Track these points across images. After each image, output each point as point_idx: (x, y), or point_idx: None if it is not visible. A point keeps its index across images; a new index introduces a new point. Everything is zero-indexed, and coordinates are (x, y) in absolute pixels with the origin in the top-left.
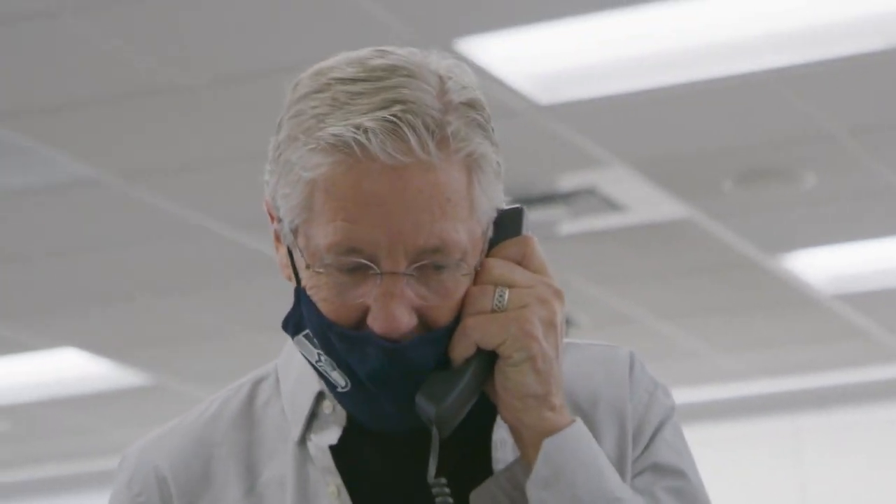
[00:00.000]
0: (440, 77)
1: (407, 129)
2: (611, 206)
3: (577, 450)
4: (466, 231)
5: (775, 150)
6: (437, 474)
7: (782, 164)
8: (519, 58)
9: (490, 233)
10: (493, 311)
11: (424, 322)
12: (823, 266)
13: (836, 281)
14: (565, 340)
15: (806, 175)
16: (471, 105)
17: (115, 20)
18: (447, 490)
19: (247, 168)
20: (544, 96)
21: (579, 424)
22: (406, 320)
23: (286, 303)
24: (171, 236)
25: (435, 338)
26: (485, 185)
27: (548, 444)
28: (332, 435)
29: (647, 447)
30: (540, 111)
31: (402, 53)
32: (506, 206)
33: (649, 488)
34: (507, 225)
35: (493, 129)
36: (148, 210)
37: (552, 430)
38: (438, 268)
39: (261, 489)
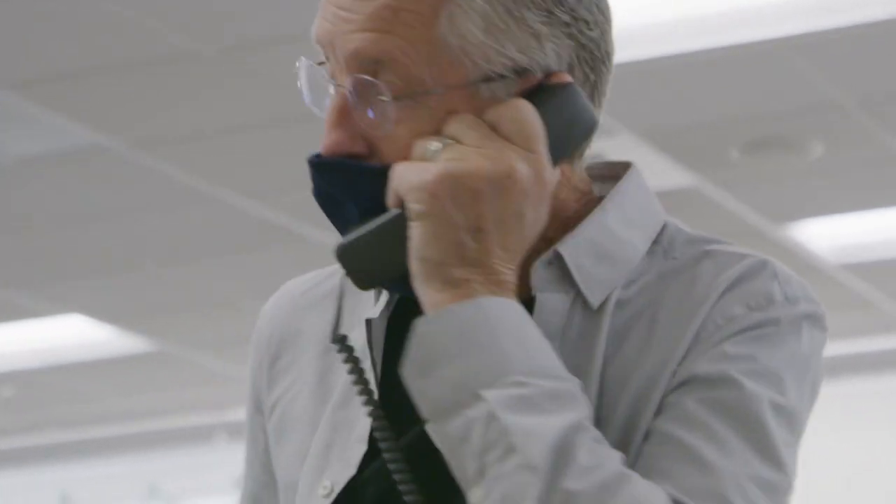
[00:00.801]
0: None
1: None
2: None
3: (467, 329)
4: (418, 57)
5: (783, 119)
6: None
7: (789, 134)
8: None
9: (490, 92)
10: (421, 160)
11: (373, 156)
12: (830, 235)
13: (843, 250)
14: (707, 246)
15: (813, 144)
16: None
17: None
18: (349, 347)
19: (256, 136)
20: None
21: (490, 301)
22: (336, 139)
23: (293, 271)
24: (179, 204)
25: (354, 167)
26: (461, 26)
27: (422, 323)
28: (377, 309)
29: (694, 356)
30: None
31: None
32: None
33: (676, 403)
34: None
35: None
36: (155, 177)
37: (438, 304)
38: (379, 94)
39: (333, 355)
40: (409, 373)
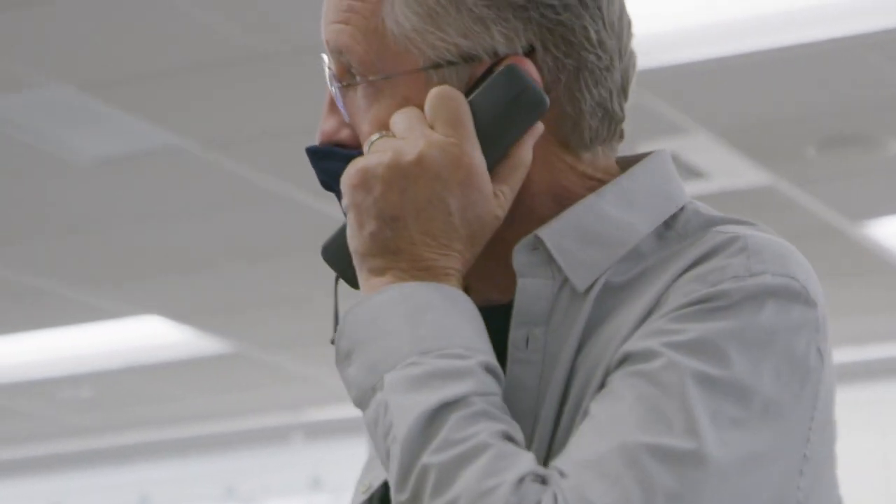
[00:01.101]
0: None
1: None
2: (693, 173)
3: (377, 315)
4: (369, 46)
5: (859, 116)
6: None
7: (866, 130)
8: None
9: (440, 78)
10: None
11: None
12: None
13: None
14: (708, 213)
15: (890, 141)
16: None
17: None
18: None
19: None
20: None
21: (403, 287)
22: (324, 127)
23: None
24: (254, 204)
25: (336, 154)
26: (400, 13)
27: (344, 313)
28: None
29: (635, 336)
30: None
31: None
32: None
33: (606, 382)
34: (496, 88)
35: None
36: (230, 177)
37: (364, 293)
38: (341, 82)
39: None
40: (337, 363)
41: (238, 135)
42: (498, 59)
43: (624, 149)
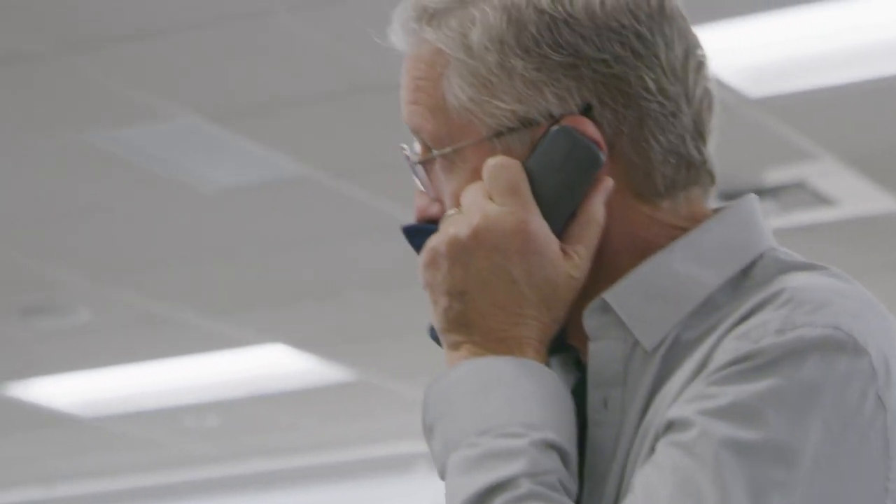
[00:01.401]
0: None
1: (405, 6)
2: (821, 200)
3: (450, 392)
4: (436, 122)
5: None
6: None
7: None
8: (729, 50)
9: (505, 146)
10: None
11: None
12: None
13: None
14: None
15: None
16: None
17: (328, 17)
18: None
19: None
20: (754, 89)
21: (472, 363)
22: (416, 205)
23: None
24: (379, 233)
25: (426, 231)
26: (456, 86)
27: (427, 390)
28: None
29: (678, 401)
30: (750, 104)
31: None
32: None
33: (654, 453)
34: (552, 151)
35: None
36: (356, 207)
37: (442, 373)
38: (422, 160)
39: None
40: (424, 436)
41: (366, 164)
42: (554, 120)
43: (753, 173)
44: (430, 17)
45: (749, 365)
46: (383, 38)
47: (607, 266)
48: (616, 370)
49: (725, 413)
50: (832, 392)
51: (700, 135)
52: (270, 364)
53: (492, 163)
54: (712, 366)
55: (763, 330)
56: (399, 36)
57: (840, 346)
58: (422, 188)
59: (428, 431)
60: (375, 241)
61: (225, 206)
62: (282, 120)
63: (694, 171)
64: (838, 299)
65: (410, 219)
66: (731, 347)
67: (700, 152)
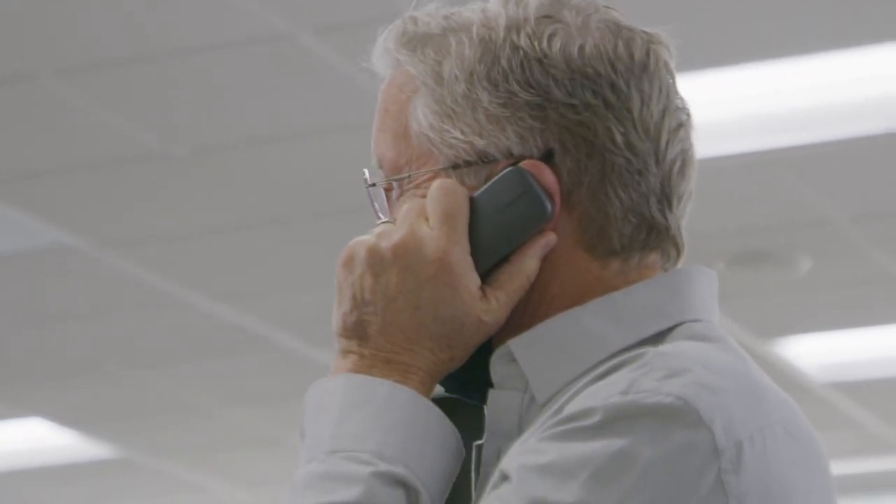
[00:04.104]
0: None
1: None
2: None
3: (324, 399)
4: (398, 150)
5: (770, 232)
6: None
7: (777, 248)
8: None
9: (460, 178)
10: None
11: None
12: (816, 353)
13: (830, 369)
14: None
15: (801, 259)
16: (456, 29)
17: (98, 86)
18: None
19: (226, 239)
20: None
21: (348, 378)
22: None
23: (261, 379)
24: (146, 306)
25: None
26: (420, 113)
27: (308, 391)
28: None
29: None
30: None
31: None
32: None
33: None
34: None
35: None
36: (122, 279)
37: (323, 379)
38: (373, 184)
39: None
40: (299, 437)
41: (132, 236)
42: (513, 160)
43: None
44: (408, 41)
45: (582, 424)
46: (154, 107)
47: (538, 315)
48: (512, 422)
49: (544, 471)
50: (662, 466)
51: (667, 198)
52: (29, 439)
53: (437, 184)
54: (552, 420)
55: (610, 389)
56: (378, 57)
57: (676, 416)
58: (380, 216)
59: (301, 434)
60: (139, 315)
61: None
62: (45, 188)
63: (655, 235)
64: (699, 370)
65: (174, 291)
66: (576, 403)
67: (665, 217)
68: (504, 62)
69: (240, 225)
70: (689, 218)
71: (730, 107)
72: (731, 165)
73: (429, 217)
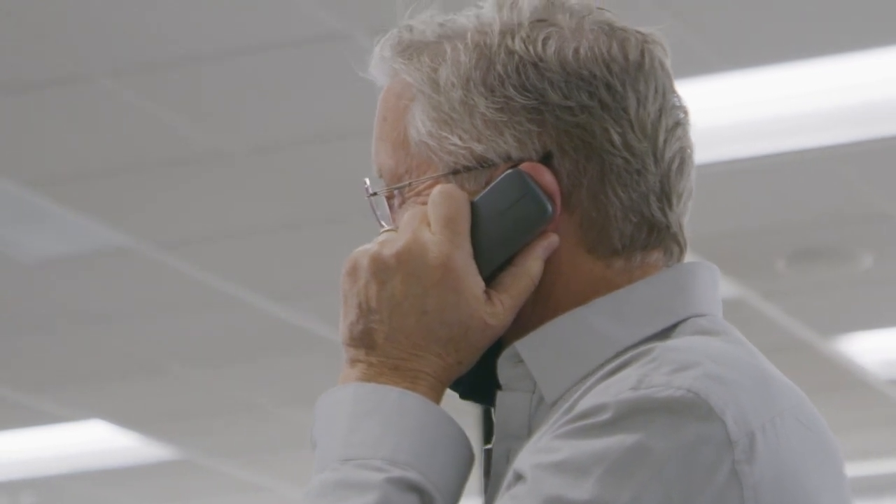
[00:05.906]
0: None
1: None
2: None
3: (330, 412)
4: (398, 158)
5: (830, 228)
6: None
7: (837, 244)
8: None
9: (460, 184)
10: None
11: None
12: (879, 349)
13: (893, 365)
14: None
15: (862, 255)
16: (449, 36)
17: (155, 86)
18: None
19: (284, 239)
20: None
21: (357, 387)
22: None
23: (321, 379)
24: (204, 307)
25: None
26: (418, 120)
27: (318, 402)
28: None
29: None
30: None
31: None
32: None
33: None
34: (505, 190)
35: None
36: (181, 279)
37: (333, 388)
38: (375, 193)
39: None
40: (311, 446)
41: (191, 235)
42: (512, 163)
43: None
44: (404, 49)
45: (594, 421)
46: (211, 106)
47: (544, 317)
48: (521, 423)
49: (558, 468)
50: (676, 459)
51: (666, 196)
52: (90, 441)
53: (438, 190)
54: (565, 418)
55: (621, 385)
56: (375, 67)
57: (688, 409)
58: (382, 224)
59: (312, 445)
60: (199, 315)
61: (43, 277)
62: (104, 189)
63: (656, 233)
64: (708, 363)
65: (234, 293)
66: (588, 400)
67: (665, 215)
68: (500, 67)
69: (298, 224)
70: (749, 216)
71: (790, 103)
72: (791, 162)
73: (431, 223)
